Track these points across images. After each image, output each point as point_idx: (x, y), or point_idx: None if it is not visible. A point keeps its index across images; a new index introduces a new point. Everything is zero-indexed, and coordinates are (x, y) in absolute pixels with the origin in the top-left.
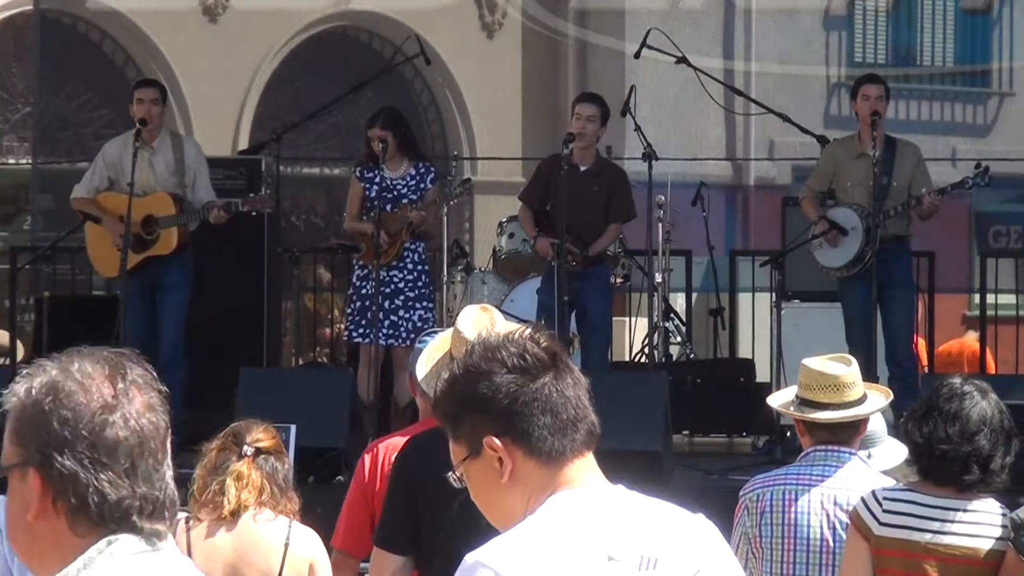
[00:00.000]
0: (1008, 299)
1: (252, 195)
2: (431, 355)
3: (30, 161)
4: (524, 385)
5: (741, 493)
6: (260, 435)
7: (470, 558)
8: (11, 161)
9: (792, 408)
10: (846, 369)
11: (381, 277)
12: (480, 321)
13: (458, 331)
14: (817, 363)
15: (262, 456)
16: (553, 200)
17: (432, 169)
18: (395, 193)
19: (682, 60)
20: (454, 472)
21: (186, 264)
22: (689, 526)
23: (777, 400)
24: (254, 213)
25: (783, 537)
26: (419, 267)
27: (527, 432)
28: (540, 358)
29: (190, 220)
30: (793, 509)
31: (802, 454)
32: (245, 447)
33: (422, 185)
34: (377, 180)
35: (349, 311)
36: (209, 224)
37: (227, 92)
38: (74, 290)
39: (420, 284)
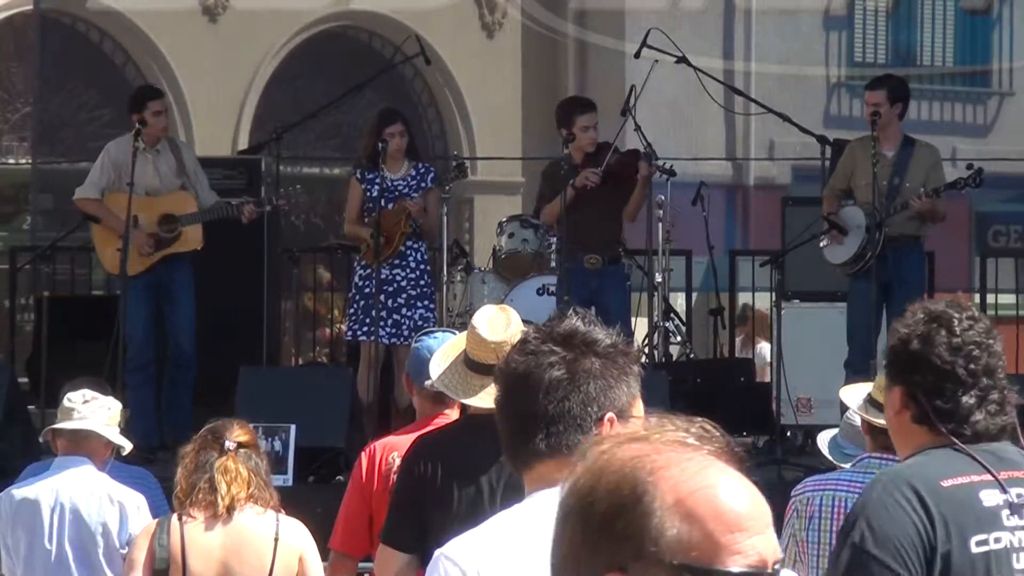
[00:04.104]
0: (1008, 299)
1: (282, 190)
2: (446, 354)
3: (30, 161)
4: None
5: (792, 493)
6: (238, 431)
7: (437, 552)
8: (11, 161)
9: (858, 407)
10: None
11: (383, 276)
12: (496, 320)
13: (474, 330)
14: None
15: (243, 451)
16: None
17: (432, 170)
18: (396, 194)
19: (682, 60)
20: None
21: (191, 264)
22: None
23: (850, 396)
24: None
25: (831, 544)
26: (421, 266)
27: None
28: None
29: (218, 215)
30: (842, 516)
31: (856, 459)
32: (227, 442)
33: (423, 185)
34: (378, 181)
35: (352, 311)
36: (236, 221)
37: (227, 92)
38: (74, 290)
39: (422, 283)
